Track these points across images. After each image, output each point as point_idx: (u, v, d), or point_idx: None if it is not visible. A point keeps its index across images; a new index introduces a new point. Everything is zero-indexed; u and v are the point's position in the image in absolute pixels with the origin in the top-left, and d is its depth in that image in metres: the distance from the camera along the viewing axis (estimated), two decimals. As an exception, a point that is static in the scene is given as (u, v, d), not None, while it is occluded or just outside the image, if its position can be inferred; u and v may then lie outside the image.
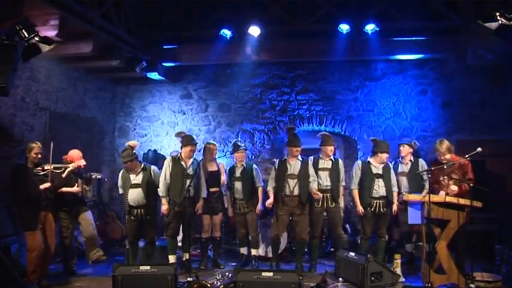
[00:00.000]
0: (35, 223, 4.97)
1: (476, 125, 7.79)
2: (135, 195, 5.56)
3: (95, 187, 5.92)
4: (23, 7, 5.07)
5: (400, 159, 6.04)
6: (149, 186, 5.66)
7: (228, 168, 6.36)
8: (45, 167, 5.13)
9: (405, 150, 5.96)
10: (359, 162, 6.02)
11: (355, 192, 5.88)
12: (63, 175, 5.36)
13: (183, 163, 5.78)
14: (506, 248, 5.33)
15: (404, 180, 5.91)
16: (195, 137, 6.24)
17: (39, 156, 5.13)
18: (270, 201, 5.82)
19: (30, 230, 4.94)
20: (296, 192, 5.71)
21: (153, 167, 5.84)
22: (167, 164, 5.79)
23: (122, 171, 5.78)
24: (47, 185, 5.04)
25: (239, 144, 6.22)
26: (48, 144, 5.19)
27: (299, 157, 5.85)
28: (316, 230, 5.93)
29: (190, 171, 5.75)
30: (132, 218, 5.62)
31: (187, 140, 5.83)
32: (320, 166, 5.92)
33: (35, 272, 4.96)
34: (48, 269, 5.37)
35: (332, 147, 5.95)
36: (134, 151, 5.62)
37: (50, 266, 5.43)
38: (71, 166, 5.40)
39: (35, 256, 4.92)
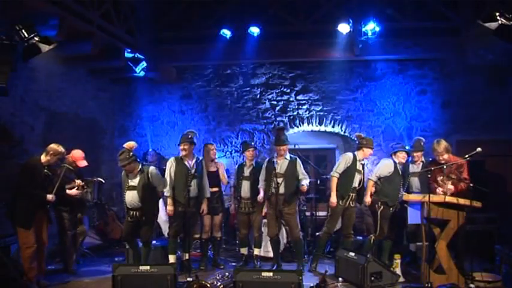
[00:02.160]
0: (30, 222, 4.97)
1: (476, 125, 7.78)
2: (130, 198, 5.51)
3: (95, 189, 5.91)
4: (22, 7, 5.06)
5: (410, 159, 5.99)
6: (145, 188, 5.51)
7: (236, 165, 6.41)
8: (57, 171, 5.24)
9: (418, 156, 5.88)
10: (391, 161, 5.88)
11: (371, 183, 5.85)
12: (67, 186, 5.51)
13: (186, 163, 5.74)
14: (506, 248, 5.32)
15: (416, 181, 5.87)
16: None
17: (59, 162, 5.22)
18: (260, 196, 5.84)
19: (24, 228, 4.95)
20: (281, 190, 5.71)
21: (151, 168, 5.65)
22: (170, 164, 5.76)
23: (123, 172, 5.75)
24: (50, 197, 5.10)
25: (248, 142, 6.27)
26: (48, 145, 5.22)
27: (287, 156, 5.85)
28: (331, 227, 5.94)
29: (193, 171, 5.70)
30: (129, 218, 5.60)
31: (182, 138, 5.80)
32: (358, 167, 5.88)
33: (32, 269, 4.97)
34: (45, 265, 5.39)
35: (372, 152, 6.00)
36: (131, 153, 5.45)
37: (45, 263, 5.43)
38: (79, 185, 5.62)
39: (30, 253, 4.93)
